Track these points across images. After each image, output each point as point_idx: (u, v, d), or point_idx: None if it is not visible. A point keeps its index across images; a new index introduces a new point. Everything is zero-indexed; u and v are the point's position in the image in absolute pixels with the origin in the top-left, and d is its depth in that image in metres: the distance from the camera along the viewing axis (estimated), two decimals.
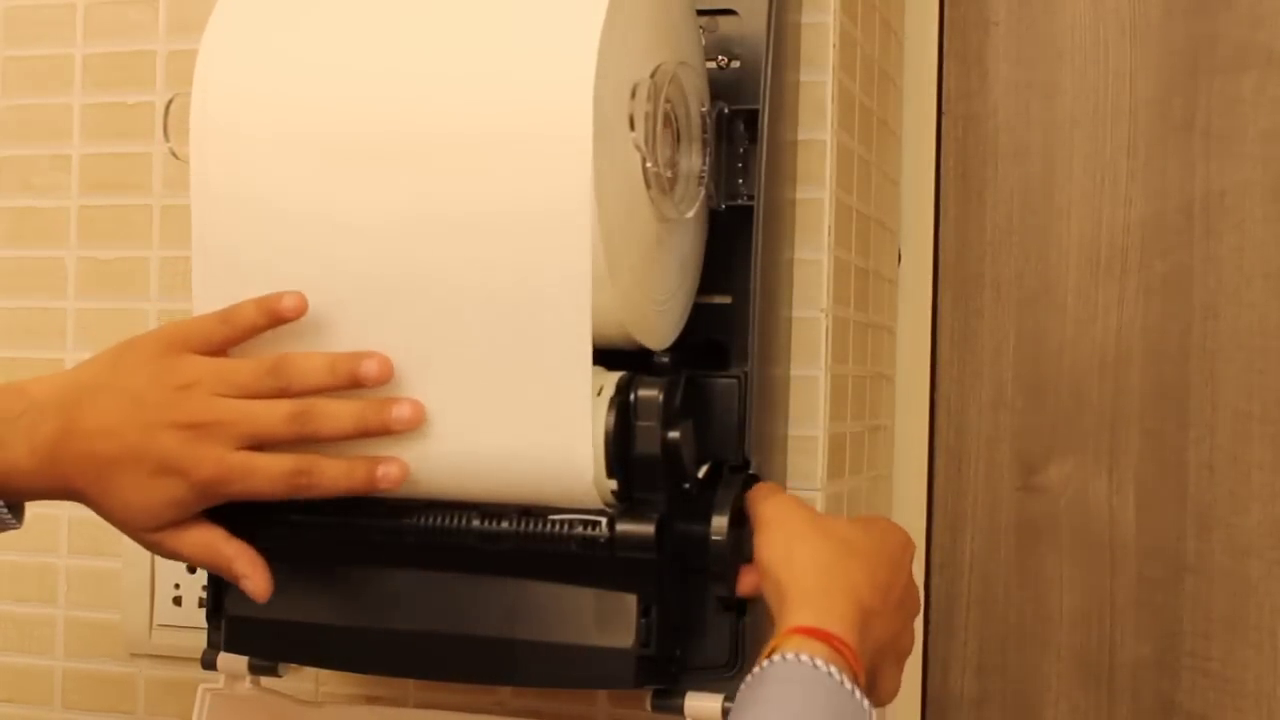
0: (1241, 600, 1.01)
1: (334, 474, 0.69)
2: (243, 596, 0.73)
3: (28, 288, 0.98)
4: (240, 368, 0.70)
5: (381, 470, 0.69)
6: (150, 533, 0.71)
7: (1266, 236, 1.01)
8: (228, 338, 0.71)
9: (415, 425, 0.69)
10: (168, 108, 0.73)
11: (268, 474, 0.69)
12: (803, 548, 0.69)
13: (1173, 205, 1.03)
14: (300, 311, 0.70)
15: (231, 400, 0.69)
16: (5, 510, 0.72)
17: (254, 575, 0.72)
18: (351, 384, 0.69)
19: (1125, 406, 1.03)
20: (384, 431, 0.69)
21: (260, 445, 0.69)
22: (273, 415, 0.69)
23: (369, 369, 0.69)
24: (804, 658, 0.63)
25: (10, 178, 0.99)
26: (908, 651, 0.73)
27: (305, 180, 0.70)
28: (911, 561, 0.75)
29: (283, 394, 0.70)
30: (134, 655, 0.95)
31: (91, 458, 0.70)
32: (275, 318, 0.70)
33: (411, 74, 0.70)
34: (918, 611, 0.74)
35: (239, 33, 0.73)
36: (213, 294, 0.72)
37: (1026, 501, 1.06)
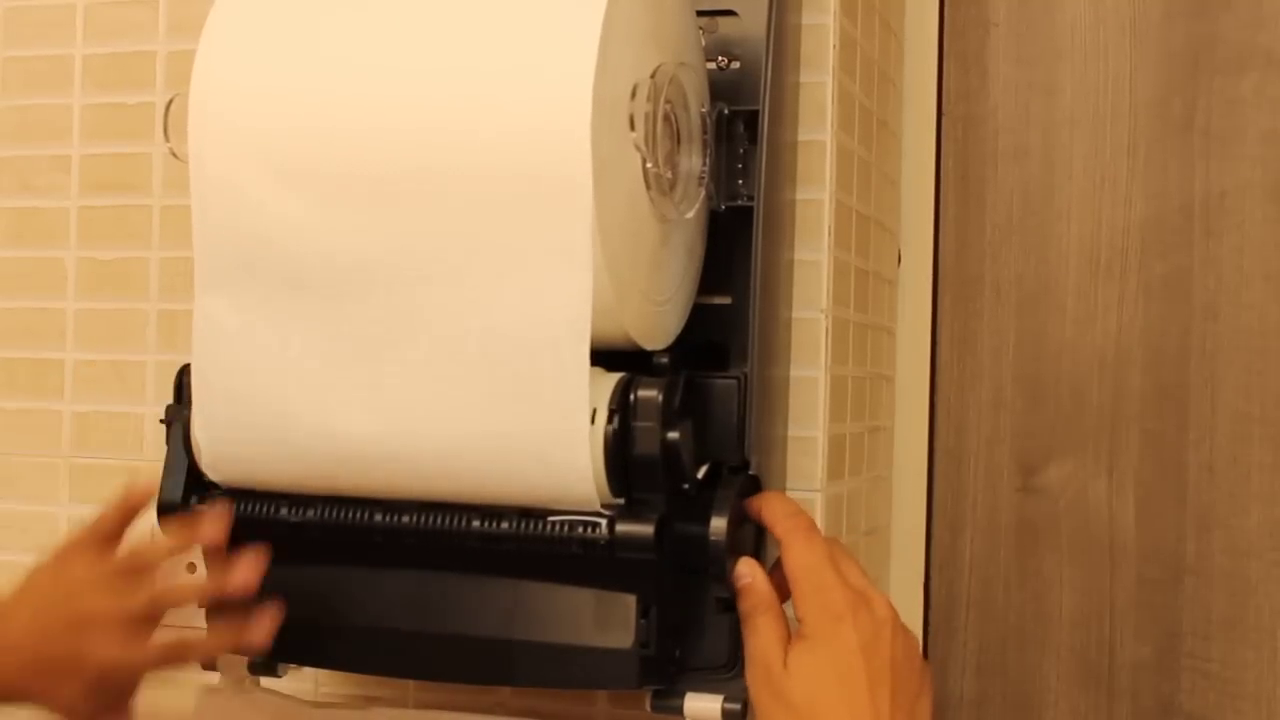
0: (1241, 602, 1.01)
1: (208, 645, 0.77)
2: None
3: (28, 288, 0.98)
4: (109, 563, 0.78)
5: (251, 638, 0.75)
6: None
7: (1266, 237, 1.01)
8: (112, 529, 0.80)
9: (252, 583, 0.74)
10: (168, 108, 0.73)
11: (148, 653, 0.76)
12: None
13: (1172, 206, 1.03)
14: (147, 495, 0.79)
15: (103, 595, 0.76)
16: None
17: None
18: (179, 548, 0.77)
19: (1125, 407, 1.03)
20: (230, 590, 0.74)
21: (142, 627, 0.76)
22: (137, 604, 0.76)
23: (234, 582, 0.74)
24: None
25: (10, 178, 0.99)
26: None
27: (304, 176, 0.70)
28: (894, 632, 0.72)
29: (144, 580, 0.77)
30: None
31: (19, 665, 0.77)
32: (129, 508, 0.80)
33: (410, 71, 0.70)
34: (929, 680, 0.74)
35: (237, 32, 0.73)
36: (216, 290, 0.72)
37: (1026, 502, 1.06)
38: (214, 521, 0.75)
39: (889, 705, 0.68)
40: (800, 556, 0.71)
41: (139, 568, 0.77)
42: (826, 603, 0.70)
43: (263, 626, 0.74)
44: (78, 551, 0.79)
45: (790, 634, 0.71)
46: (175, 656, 0.77)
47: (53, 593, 0.78)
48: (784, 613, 0.72)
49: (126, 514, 0.80)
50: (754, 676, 0.71)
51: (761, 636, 0.71)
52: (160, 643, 0.77)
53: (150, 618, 0.76)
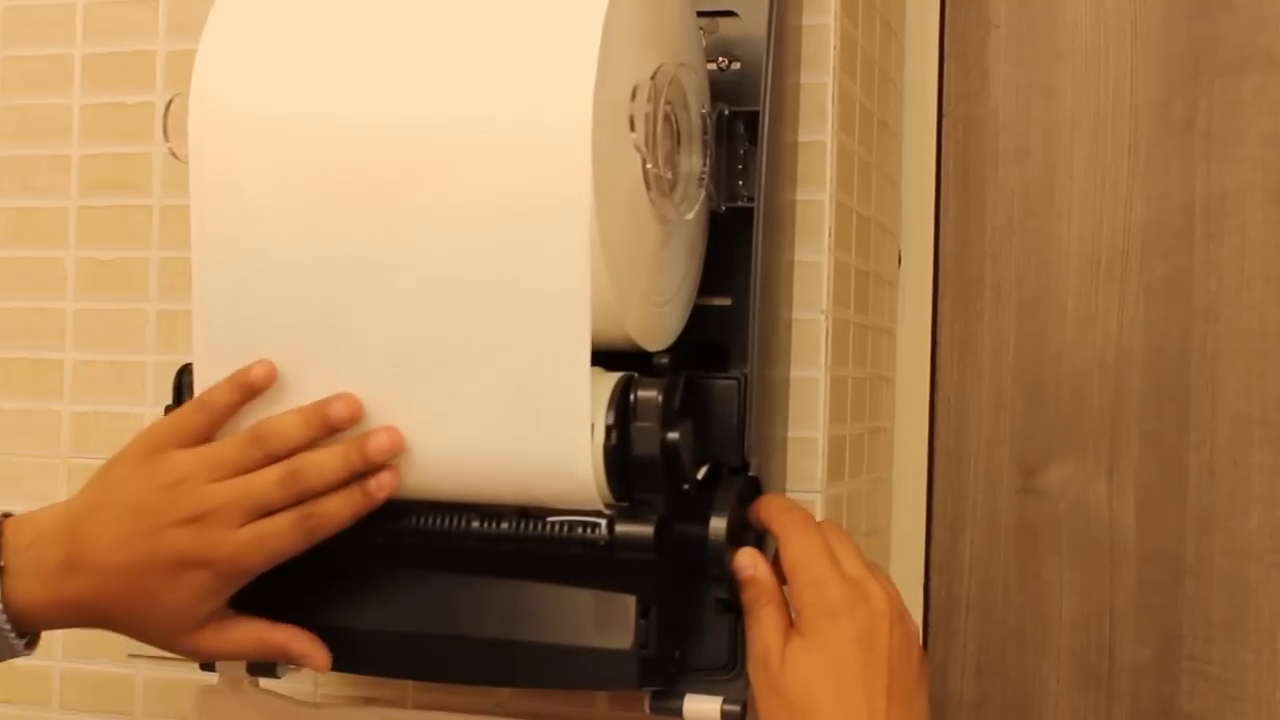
0: (1241, 603, 1.01)
1: (337, 505, 0.70)
2: (238, 597, 0.73)
3: (27, 288, 0.98)
4: (223, 449, 0.71)
5: (374, 484, 0.70)
6: (191, 634, 0.72)
7: (1267, 239, 1.01)
8: (209, 423, 0.72)
9: (396, 451, 0.70)
10: (167, 108, 0.73)
11: (280, 532, 0.70)
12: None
13: (1173, 207, 1.03)
14: (270, 379, 0.71)
15: (224, 483, 0.70)
16: (15, 636, 0.72)
17: (313, 652, 0.73)
18: (328, 430, 0.70)
19: (1125, 409, 1.03)
20: (370, 466, 0.70)
21: (264, 515, 0.70)
22: (265, 484, 0.70)
23: (339, 412, 0.70)
24: None
25: (10, 178, 0.99)
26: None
27: (304, 176, 0.70)
28: (895, 622, 0.71)
29: (269, 460, 0.70)
30: (132, 656, 0.95)
31: (108, 574, 0.70)
32: (249, 391, 0.71)
33: (410, 73, 0.70)
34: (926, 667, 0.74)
35: (238, 31, 0.73)
36: (213, 293, 0.72)
37: (1026, 504, 1.06)
38: (346, 400, 0.70)
39: (884, 699, 0.68)
40: (796, 550, 0.71)
41: (266, 449, 0.70)
42: (821, 598, 0.70)
43: (389, 475, 0.70)
44: (172, 436, 0.71)
45: (792, 626, 0.71)
46: (314, 529, 0.70)
47: (149, 491, 0.70)
48: (786, 604, 0.72)
49: (241, 398, 0.71)
50: (755, 669, 0.71)
51: (764, 628, 0.71)
52: (292, 521, 0.69)
53: (281, 504, 0.70)
